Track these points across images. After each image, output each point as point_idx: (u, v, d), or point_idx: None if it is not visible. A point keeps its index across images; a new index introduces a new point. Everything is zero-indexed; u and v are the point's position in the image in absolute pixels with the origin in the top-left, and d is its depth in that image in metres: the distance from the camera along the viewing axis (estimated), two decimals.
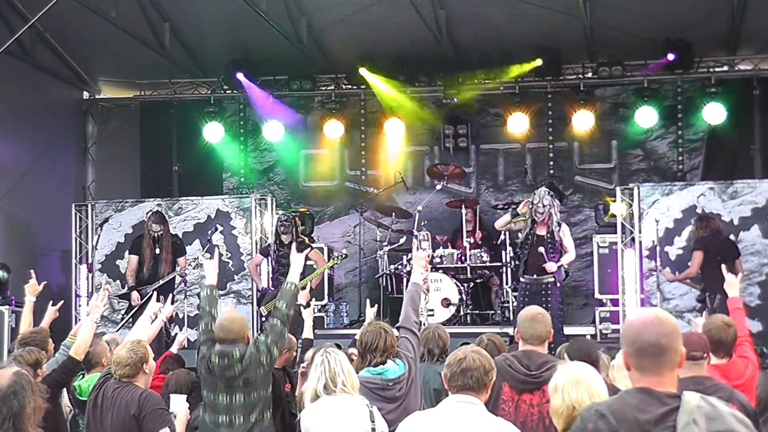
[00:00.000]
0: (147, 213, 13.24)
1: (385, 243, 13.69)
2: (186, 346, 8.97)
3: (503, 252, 13.23)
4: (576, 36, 13.87)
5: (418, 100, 15.43)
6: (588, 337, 12.28)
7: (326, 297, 14.00)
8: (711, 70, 14.58)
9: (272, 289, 12.30)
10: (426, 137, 15.58)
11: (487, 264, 13.24)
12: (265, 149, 15.90)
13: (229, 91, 15.56)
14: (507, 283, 13.18)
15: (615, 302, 12.95)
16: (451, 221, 14.62)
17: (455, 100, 14.89)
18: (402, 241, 13.71)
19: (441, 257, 13.08)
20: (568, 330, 11.36)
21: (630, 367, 3.33)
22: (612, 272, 13.09)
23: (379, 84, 14.71)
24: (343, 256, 12.45)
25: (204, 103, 15.66)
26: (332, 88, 15.59)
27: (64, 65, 15.06)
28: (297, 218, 12.66)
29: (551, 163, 15.14)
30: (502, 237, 13.18)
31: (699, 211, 12.43)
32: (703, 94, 14.44)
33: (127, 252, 13.04)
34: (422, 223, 13.30)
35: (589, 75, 14.94)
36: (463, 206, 13.65)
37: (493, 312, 13.40)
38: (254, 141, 15.90)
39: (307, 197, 15.66)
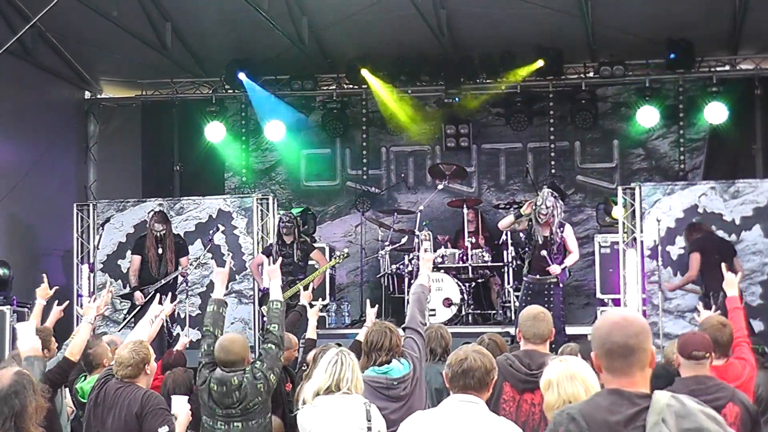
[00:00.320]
0: (149, 213, 13.25)
1: (387, 243, 13.70)
2: (188, 346, 8.96)
3: (505, 252, 13.22)
4: (577, 36, 13.87)
5: (420, 99, 15.46)
6: (589, 337, 12.27)
7: (328, 297, 14.00)
8: (712, 69, 14.58)
9: None
10: (427, 137, 15.58)
11: (489, 264, 13.23)
12: (266, 149, 15.91)
13: (231, 91, 15.56)
14: (509, 283, 13.17)
15: (617, 302, 12.94)
16: (452, 221, 14.62)
17: (457, 99, 14.89)
18: (404, 240, 13.72)
19: (443, 257, 13.09)
20: (569, 330, 11.37)
21: (601, 369, 3.32)
22: (614, 272, 13.08)
23: (380, 89, 14.74)
24: (345, 255, 12.46)
25: (205, 102, 15.67)
26: (333, 87, 15.59)
27: (65, 65, 15.06)
28: (299, 218, 12.66)
29: (553, 162, 15.14)
30: (504, 237, 13.18)
31: (701, 210, 12.43)
32: (704, 93, 14.43)
33: (129, 252, 13.06)
34: (424, 223, 13.31)
35: (591, 75, 14.94)
36: (464, 206, 13.64)
37: (494, 312, 13.40)
38: (256, 141, 15.90)
39: (308, 197, 15.66)
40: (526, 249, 11.43)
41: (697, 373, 5.42)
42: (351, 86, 15.41)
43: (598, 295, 13.45)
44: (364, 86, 15.08)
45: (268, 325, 6.55)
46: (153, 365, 6.35)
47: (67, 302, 8.31)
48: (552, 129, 15.15)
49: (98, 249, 13.60)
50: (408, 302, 12.44)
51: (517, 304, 12.51)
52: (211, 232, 12.64)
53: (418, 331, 6.32)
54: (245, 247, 13.50)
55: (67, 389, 7.29)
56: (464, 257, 13.10)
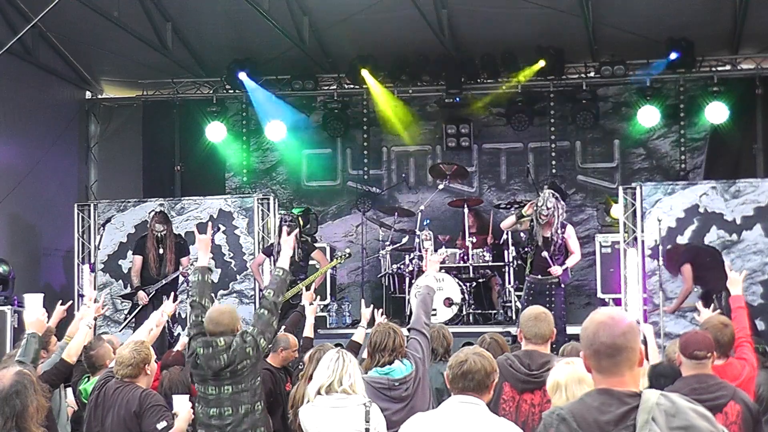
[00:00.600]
0: (149, 213, 13.27)
1: (388, 242, 13.70)
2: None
3: (506, 251, 13.22)
4: (578, 35, 13.87)
5: (421, 99, 15.47)
6: None
7: (329, 296, 14.00)
8: (713, 69, 14.58)
9: None
10: (428, 136, 15.59)
11: (490, 263, 13.23)
12: (267, 149, 15.91)
13: (232, 91, 15.56)
14: (509, 283, 13.17)
15: (618, 302, 12.94)
16: (453, 221, 14.62)
17: (458, 99, 14.89)
18: (404, 240, 13.72)
19: (432, 252, 13.07)
20: (571, 330, 11.35)
21: (590, 369, 3.32)
22: (614, 271, 13.09)
23: (378, 92, 14.76)
24: (347, 255, 12.46)
25: (206, 102, 15.67)
26: (334, 87, 15.60)
27: (66, 65, 15.07)
28: (300, 218, 12.66)
29: (553, 162, 15.13)
30: (505, 237, 13.18)
31: (701, 210, 12.44)
32: (705, 93, 14.43)
33: (130, 252, 13.08)
34: (424, 223, 13.31)
35: (592, 74, 14.93)
36: (465, 206, 13.64)
37: (495, 311, 13.39)
38: (256, 141, 15.90)
39: (309, 197, 15.66)
40: (527, 249, 11.44)
41: (698, 372, 5.43)
42: (352, 86, 15.40)
43: (599, 294, 13.46)
44: (364, 86, 15.06)
45: (264, 290, 6.45)
46: (153, 365, 6.37)
47: (70, 302, 8.32)
48: (553, 129, 15.14)
49: (99, 249, 13.61)
50: (409, 302, 12.56)
51: (518, 303, 12.54)
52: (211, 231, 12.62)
53: (422, 332, 6.32)
54: (246, 247, 13.51)
55: (69, 389, 7.31)
56: (465, 257, 13.10)
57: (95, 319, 8.23)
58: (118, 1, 12.84)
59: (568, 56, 14.55)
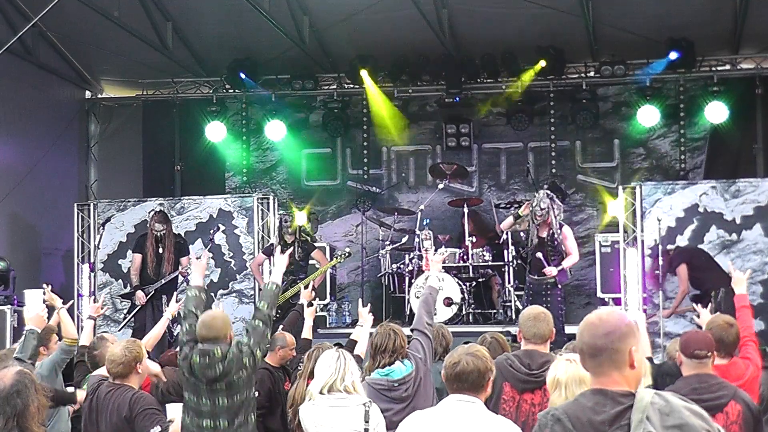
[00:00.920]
0: (149, 212, 13.27)
1: (388, 242, 13.70)
2: None
3: (505, 251, 13.22)
4: (579, 35, 13.87)
5: (421, 99, 15.47)
6: None
7: (328, 296, 14.01)
8: (713, 69, 14.57)
9: None
10: (428, 136, 15.59)
11: (489, 263, 13.23)
12: (267, 148, 15.91)
13: (232, 91, 15.56)
14: (509, 282, 13.17)
15: (617, 301, 12.95)
16: (453, 220, 14.62)
17: (458, 99, 14.89)
18: (404, 240, 13.72)
19: (435, 253, 13.07)
20: (570, 329, 11.35)
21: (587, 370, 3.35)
22: (614, 271, 13.10)
23: (375, 95, 14.78)
24: (347, 255, 12.46)
25: (206, 102, 15.67)
26: (334, 87, 15.59)
27: (66, 64, 15.07)
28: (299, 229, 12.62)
29: (553, 162, 15.13)
30: (504, 236, 13.18)
31: (701, 210, 12.46)
32: (705, 93, 14.43)
33: (129, 251, 13.08)
34: (424, 223, 13.31)
35: (592, 74, 14.93)
36: (465, 205, 13.64)
37: (495, 311, 13.40)
38: (256, 140, 15.90)
39: (309, 196, 15.66)
40: (526, 249, 11.45)
41: (699, 371, 5.42)
42: (352, 86, 15.39)
43: (599, 294, 13.47)
44: (364, 86, 15.06)
45: (258, 303, 6.38)
46: (146, 365, 6.29)
47: (71, 302, 8.33)
48: (553, 128, 15.15)
49: (99, 248, 13.61)
50: (408, 301, 12.56)
51: (518, 303, 12.56)
52: (211, 231, 12.64)
53: (424, 332, 6.32)
54: (246, 247, 13.52)
55: (69, 389, 7.31)
56: (465, 257, 13.10)
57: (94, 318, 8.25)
58: (118, 0, 12.85)
59: (568, 56, 14.55)
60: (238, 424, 6.04)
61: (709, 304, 10.76)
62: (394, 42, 14.26)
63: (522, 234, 11.94)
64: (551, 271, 10.81)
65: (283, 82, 15.39)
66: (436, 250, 12.83)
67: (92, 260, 13.57)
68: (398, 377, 5.98)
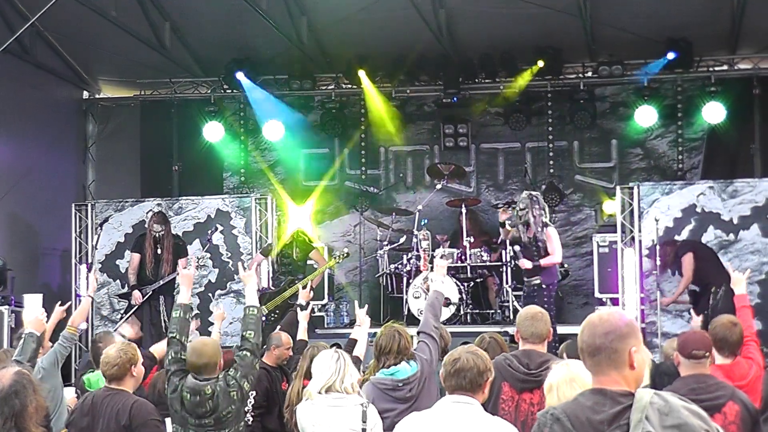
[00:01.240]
0: (147, 212, 13.27)
1: (386, 242, 13.70)
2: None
3: (503, 251, 13.23)
4: (576, 35, 13.88)
5: (418, 99, 15.48)
6: None
7: (326, 296, 14.00)
8: (711, 69, 14.58)
9: (272, 288, 12.31)
10: (426, 136, 15.60)
11: (487, 263, 13.24)
12: (265, 149, 15.90)
13: (230, 91, 15.55)
14: (507, 283, 13.17)
15: (615, 301, 12.95)
16: (451, 221, 14.63)
17: (455, 99, 14.90)
18: (402, 240, 13.72)
19: (441, 257, 13.06)
20: (568, 329, 11.35)
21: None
22: (612, 271, 13.10)
23: (374, 96, 14.77)
24: (345, 255, 12.46)
25: (204, 102, 15.66)
26: (332, 87, 15.59)
27: (64, 64, 15.06)
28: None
29: (551, 162, 15.14)
30: (502, 237, 13.17)
31: (699, 210, 12.47)
32: (703, 93, 14.44)
33: (127, 251, 13.06)
34: (422, 223, 13.31)
35: (590, 74, 14.94)
36: (463, 205, 13.65)
37: (493, 311, 13.40)
38: (254, 140, 15.89)
39: (307, 196, 15.65)
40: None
41: (697, 371, 5.43)
42: (350, 86, 15.39)
43: (597, 294, 13.45)
44: (362, 86, 15.07)
45: (243, 331, 6.30)
46: (140, 368, 6.23)
47: (69, 303, 8.33)
48: (550, 128, 15.15)
49: (97, 249, 13.60)
50: (406, 302, 12.55)
51: (515, 303, 12.57)
52: (209, 232, 12.65)
53: (431, 335, 6.34)
54: (244, 247, 13.52)
55: (70, 389, 7.31)
56: (462, 257, 13.10)
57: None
58: (116, 0, 12.84)
59: (566, 56, 14.56)
60: None
61: (709, 302, 10.80)
62: (392, 42, 14.26)
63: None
64: (524, 263, 10.81)
65: (281, 82, 15.39)
66: (433, 250, 12.84)
67: (90, 260, 13.55)
68: (403, 377, 5.97)
